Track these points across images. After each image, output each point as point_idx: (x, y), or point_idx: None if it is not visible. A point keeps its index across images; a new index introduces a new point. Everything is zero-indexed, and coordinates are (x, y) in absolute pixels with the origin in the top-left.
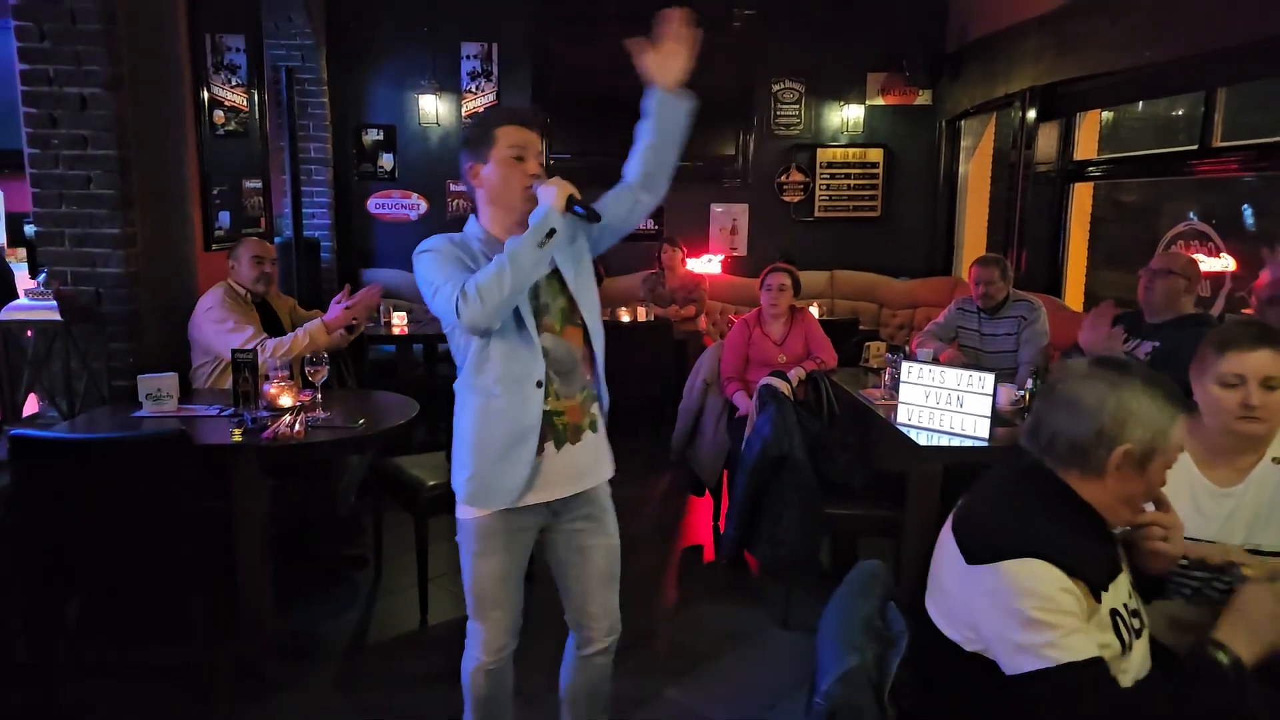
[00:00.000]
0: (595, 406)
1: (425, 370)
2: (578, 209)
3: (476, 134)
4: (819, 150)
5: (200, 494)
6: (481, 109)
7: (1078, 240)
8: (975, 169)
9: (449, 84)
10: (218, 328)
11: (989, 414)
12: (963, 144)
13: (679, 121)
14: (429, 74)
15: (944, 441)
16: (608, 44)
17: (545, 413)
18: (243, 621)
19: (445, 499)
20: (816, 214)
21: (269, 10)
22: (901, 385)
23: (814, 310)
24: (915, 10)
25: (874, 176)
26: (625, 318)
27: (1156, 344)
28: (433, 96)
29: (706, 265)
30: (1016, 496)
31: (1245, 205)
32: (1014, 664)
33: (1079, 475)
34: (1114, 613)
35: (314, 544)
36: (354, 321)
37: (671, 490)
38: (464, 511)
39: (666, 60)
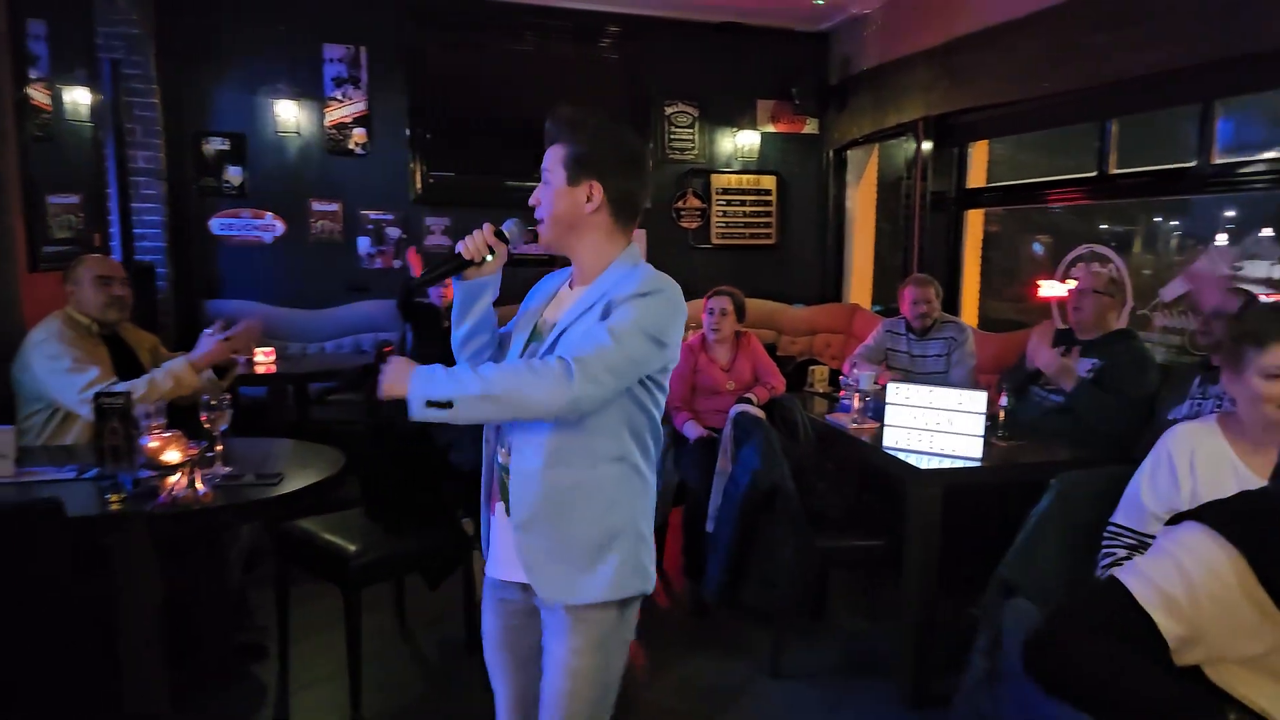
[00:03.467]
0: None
1: (299, 415)
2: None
3: None
4: (713, 176)
5: (73, 581)
6: (350, 119)
7: (971, 266)
8: (861, 198)
9: (310, 89)
10: (52, 366)
11: (981, 433)
12: (848, 173)
13: None
14: (286, 77)
15: (942, 464)
16: (489, 56)
17: (499, 466)
18: None
19: (381, 566)
20: (714, 241)
21: None
22: (888, 408)
23: None
24: (799, 40)
25: (768, 204)
26: None
27: (1096, 361)
28: (292, 103)
29: None
30: None
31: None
32: None
33: None
34: None
35: (200, 632)
36: (234, 355)
37: None
38: None
39: None
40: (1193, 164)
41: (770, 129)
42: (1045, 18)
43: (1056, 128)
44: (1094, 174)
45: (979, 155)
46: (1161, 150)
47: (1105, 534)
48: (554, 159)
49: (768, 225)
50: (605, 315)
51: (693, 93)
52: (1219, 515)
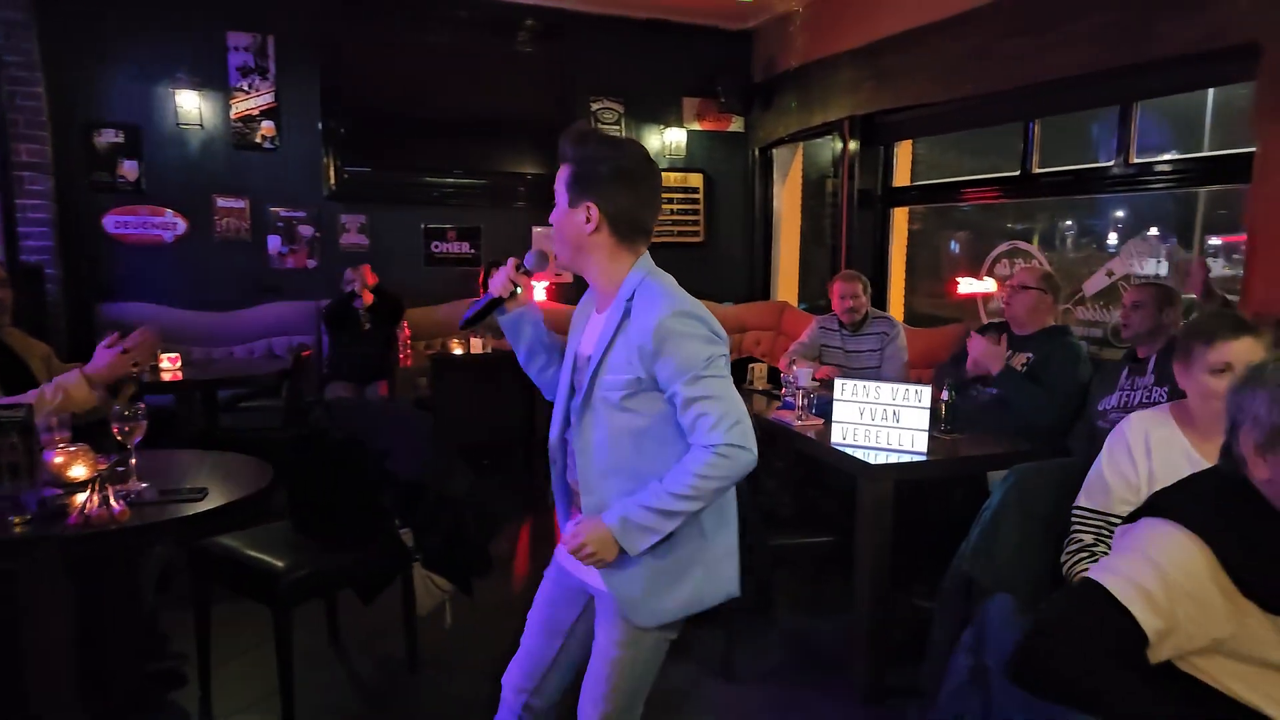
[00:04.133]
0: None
1: (207, 423)
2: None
3: None
4: None
5: None
6: (257, 110)
7: (897, 262)
8: (787, 196)
9: (213, 79)
10: None
11: (927, 427)
12: (774, 172)
13: None
14: (186, 66)
15: (889, 459)
16: (406, 48)
17: (567, 484)
18: None
19: (314, 581)
20: None
21: None
22: (835, 404)
23: None
24: (723, 38)
25: (695, 202)
26: (458, 350)
27: (1030, 355)
28: (193, 93)
29: (529, 293)
30: None
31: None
32: None
33: None
34: None
35: (112, 661)
36: (134, 371)
37: (541, 539)
38: None
39: None
40: (1112, 164)
41: (696, 127)
42: (967, 20)
43: (980, 128)
44: (1017, 173)
45: (903, 154)
46: (1070, 152)
47: (1072, 518)
48: (559, 181)
49: (695, 223)
50: (642, 358)
51: (618, 89)
52: (1179, 507)
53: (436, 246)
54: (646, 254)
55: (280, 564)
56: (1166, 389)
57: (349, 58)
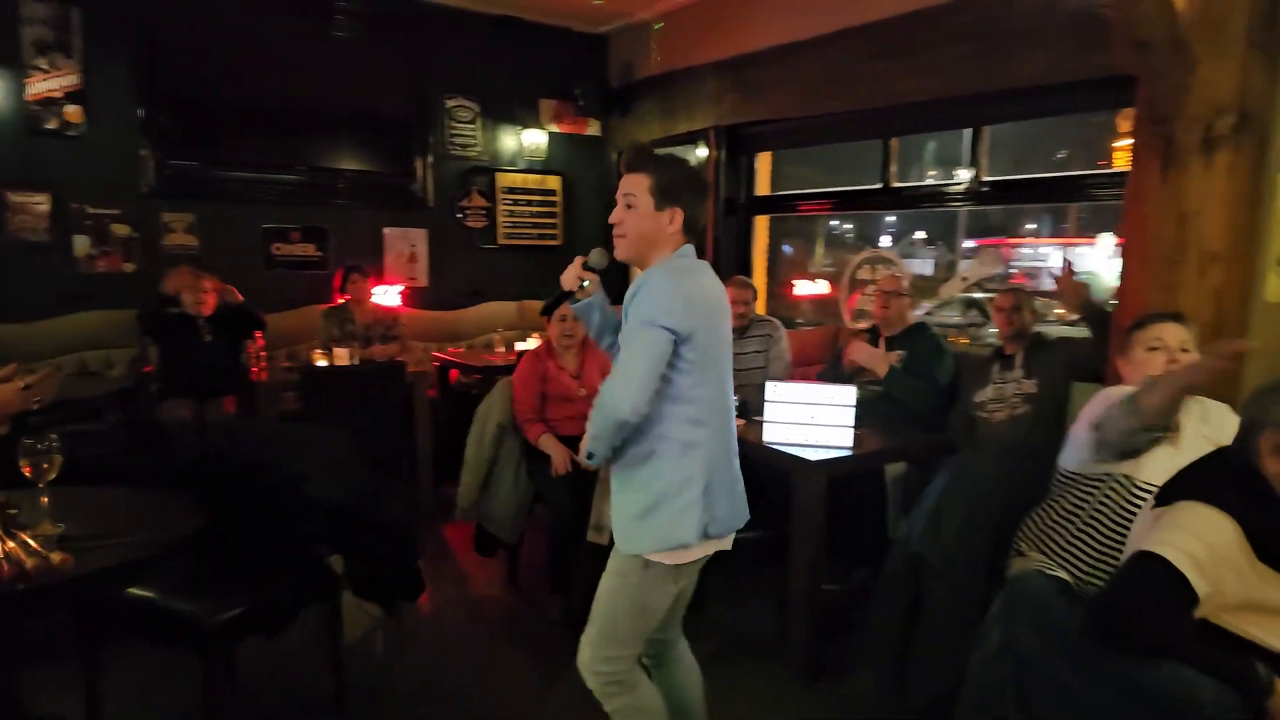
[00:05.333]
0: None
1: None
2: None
3: None
4: (498, 174)
5: None
6: (60, 92)
7: (759, 267)
8: None
9: (3, 54)
10: None
11: (852, 424)
12: None
13: None
14: None
15: (823, 455)
16: (229, 31)
17: None
18: None
19: (246, 619)
20: (500, 241)
21: None
22: (767, 405)
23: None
24: (579, 41)
25: (554, 204)
26: (321, 362)
27: (902, 352)
28: None
29: (384, 296)
30: None
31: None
32: None
33: None
34: None
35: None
36: (35, 405)
37: (441, 553)
38: None
39: None
40: (964, 181)
41: (554, 129)
42: (828, 43)
43: (840, 143)
44: (879, 185)
45: (762, 165)
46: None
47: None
48: (640, 187)
49: (553, 226)
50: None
51: (473, 87)
52: (1210, 491)
53: (277, 248)
54: (689, 245)
55: (194, 606)
56: (1036, 380)
57: (169, 37)
